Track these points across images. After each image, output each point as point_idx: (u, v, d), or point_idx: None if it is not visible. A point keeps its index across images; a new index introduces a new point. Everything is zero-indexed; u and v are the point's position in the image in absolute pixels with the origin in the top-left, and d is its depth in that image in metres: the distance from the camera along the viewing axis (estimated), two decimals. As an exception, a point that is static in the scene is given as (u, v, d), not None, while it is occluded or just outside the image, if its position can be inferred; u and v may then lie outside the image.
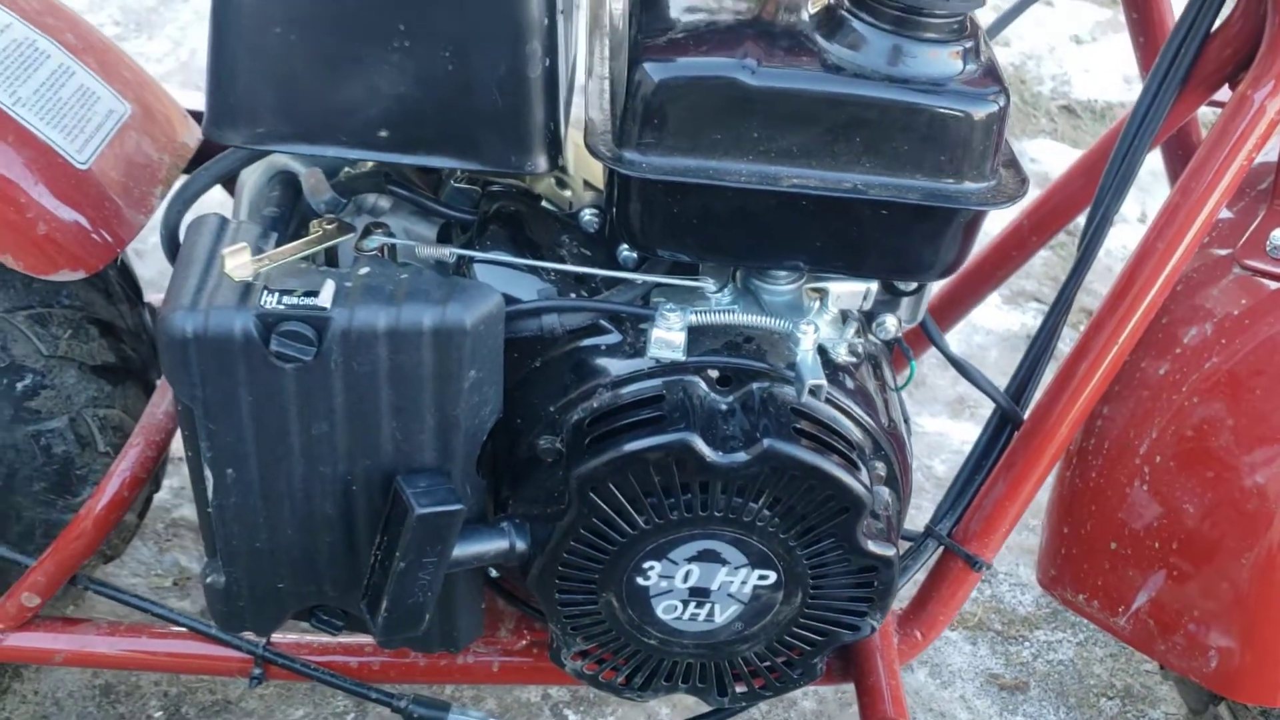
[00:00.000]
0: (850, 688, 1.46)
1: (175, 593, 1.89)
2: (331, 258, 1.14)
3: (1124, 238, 2.69)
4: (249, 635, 1.37)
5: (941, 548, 1.41)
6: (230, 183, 1.34)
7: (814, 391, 1.11)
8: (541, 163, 1.08)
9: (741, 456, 1.11)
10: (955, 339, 2.51)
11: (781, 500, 1.14)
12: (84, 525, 1.34)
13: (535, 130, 1.07)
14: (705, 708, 1.38)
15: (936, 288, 1.66)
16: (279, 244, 1.12)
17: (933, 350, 1.43)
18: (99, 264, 1.34)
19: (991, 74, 1.09)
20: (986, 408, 1.39)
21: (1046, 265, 2.71)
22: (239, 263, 1.04)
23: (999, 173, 1.12)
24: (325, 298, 1.04)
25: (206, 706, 1.75)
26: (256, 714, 1.75)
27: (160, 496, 1.92)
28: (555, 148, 1.09)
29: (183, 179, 1.35)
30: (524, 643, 1.43)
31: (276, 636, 1.41)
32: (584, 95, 1.18)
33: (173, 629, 1.42)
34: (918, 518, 1.41)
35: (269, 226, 1.17)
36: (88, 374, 1.47)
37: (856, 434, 1.20)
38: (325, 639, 1.39)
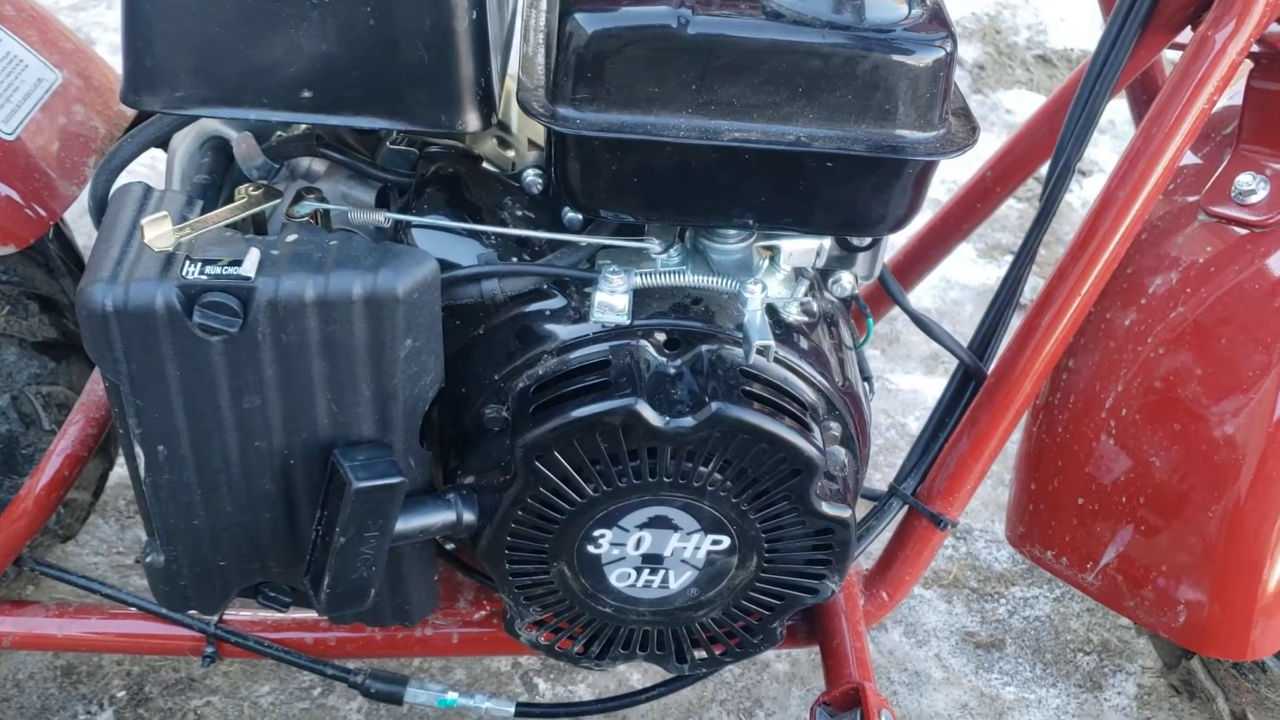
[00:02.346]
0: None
1: (138, 570, 1.86)
2: (261, 226, 1.10)
3: (1098, 187, 2.65)
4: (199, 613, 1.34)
5: (906, 506, 1.38)
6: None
7: (762, 352, 1.08)
8: (473, 120, 1.04)
9: (689, 421, 1.08)
10: (929, 294, 2.47)
11: (732, 464, 1.11)
12: (24, 506, 1.31)
13: (465, 87, 1.03)
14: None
15: (899, 241, 1.63)
16: (206, 212, 1.08)
17: (899, 306, 1.39)
18: (31, 237, 1.30)
19: (938, 19, 1.05)
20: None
21: (1022, 218, 2.67)
22: (159, 232, 1.00)
23: (948, 121, 1.08)
24: (249, 267, 1.01)
25: (170, 685, 1.72)
26: (221, 691, 1.72)
27: (119, 473, 1.89)
28: (488, 105, 1.05)
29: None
30: (483, 613, 1.41)
31: (230, 614, 1.39)
32: (520, 50, 1.14)
33: (123, 609, 1.39)
34: (892, 476, 1.38)
35: (197, 194, 1.13)
36: (28, 351, 1.44)
37: (809, 394, 1.17)
38: (281, 615, 1.37)
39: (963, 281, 2.52)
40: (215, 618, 1.35)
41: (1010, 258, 2.56)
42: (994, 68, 3.10)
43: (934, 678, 1.83)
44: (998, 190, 1.59)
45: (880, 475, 2.06)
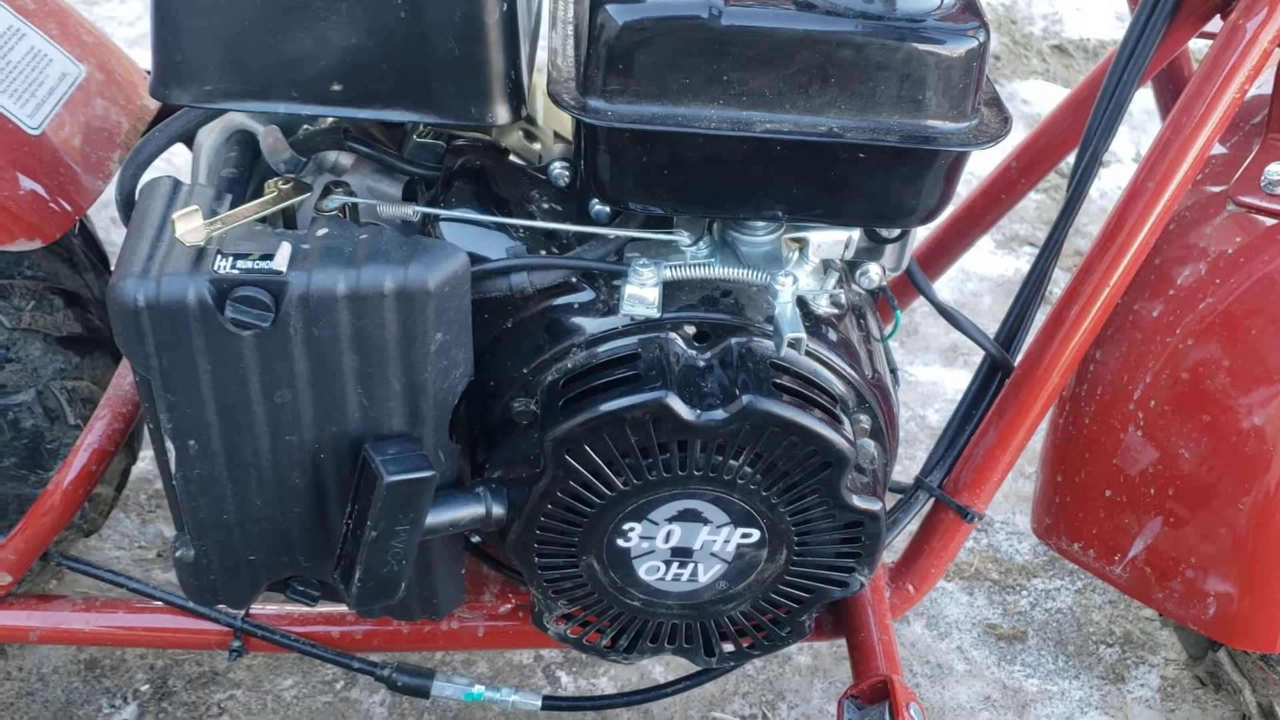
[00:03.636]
0: (844, 642, 1.44)
1: (160, 564, 1.87)
2: (290, 219, 1.10)
3: (1119, 178, 2.64)
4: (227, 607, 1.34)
5: (932, 499, 1.38)
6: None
7: (793, 345, 1.07)
8: (503, 114, 1.04)
9: (720, 414, 1.08)
10: (947, 286, 2.47)
11: (762, 457, 1.11)
12: (51, 501, 1.30)
13: (495, 79, 1.03)
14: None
15: (923, 234, 1.62)
16: (235, 206, 1.08)
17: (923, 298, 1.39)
18: (57, 232, 1.30)
19: (970, 8, 1.05)
20: (980, 355, 1.36)
21: (1040, 208, 2.66)
22: (190, 227, 1.00)
23: (980, 111, 1.08)
24: (281, 261, 1.00)
25: (194, 679, 1.73)
26: (244, 684, 1.73)
27: (142, 468, 1.89)
28: (517, 98, 1.05)
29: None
30: (508, 607, 1.41)
31: (256, 607, 1.38)
32: (549, 42, 1.13)
33: (150, 603, 1.39)
34: (912, 468, 1.38)
35: (225, 188, 1.13)
36: (54, 346, 1.43)
37: (839, 387, 1.16)
38: (307, 609, 1.37)
39: (981, 273, 2.51)
40: (242, 612, 1.35)
41: (1029, 249, 2.57)
42: (1010, 58, 3.09)
43: (956, 670, 1.82)
44: (1022, 182, 1.58)
45: (900, 468, 2.04)
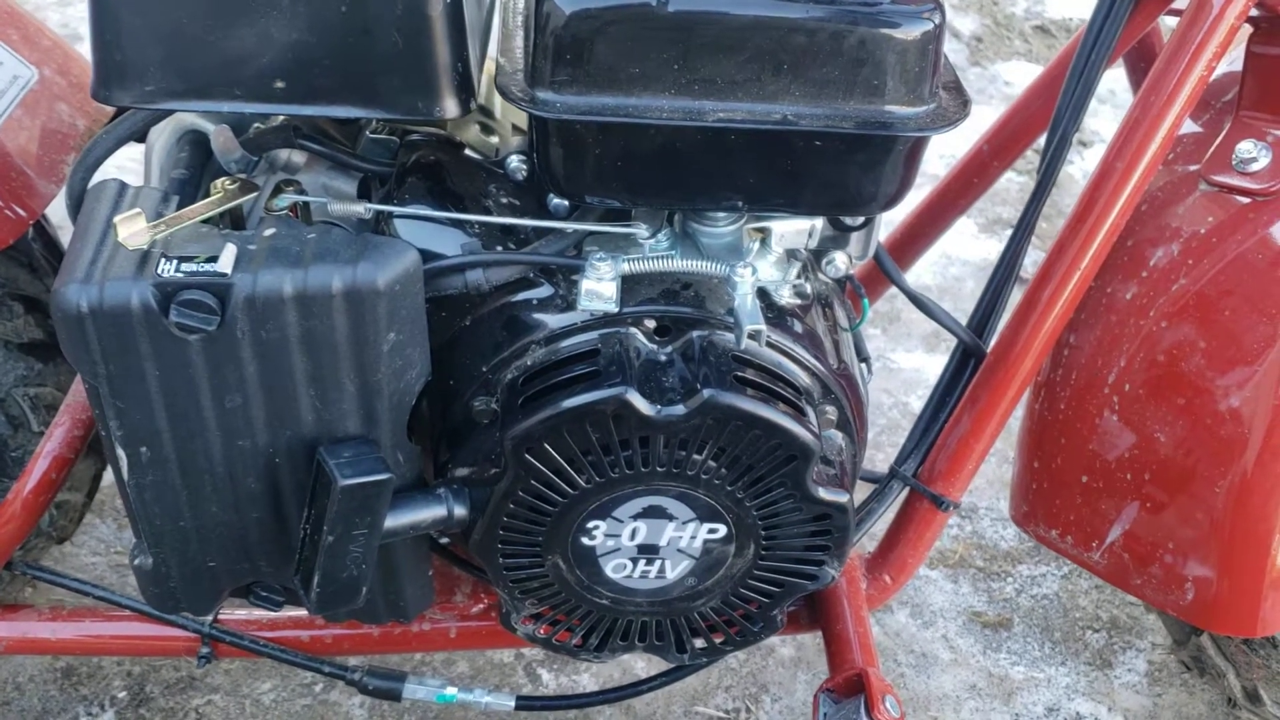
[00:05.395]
0: (826, 634, 1.42)
1: (136, 570, 1.85)
2: (239, 220, 1.08)
3: (1098, 158, 2.61)
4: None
5: (907, 488, 1.36)
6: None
7: (754, 336, 1.05)
8: (451, 107, 1.02)
9: (681, 409, 1.06)
10: (929, 271, 2.45)
11: (726, 451, 1.09)
12: (12, 510, 1.29)
13: (441, 72, 1.00)
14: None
15: (896, 219, 1.60)
16: (184, 208, 1.06)
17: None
18: (10, 237, 1.28)
19: (926, -11, 1.02)
20: None
21: (1023, 191, 2.64)
22: (133, 230, 0.98)
23: (939, 95, 1.05)
24: (226, 263, 0.98)
25: (171, 684, 1.71)
26: (223, 689, 1.71)
27: (115, 472, 1.87)
28: (465, 91, 1.03)
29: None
30: (481, 606, 1.39)
31: (225, 612, 1.37)
32: (499, 33, 1.11)
33: (118, 611, 1.37)
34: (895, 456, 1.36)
35: (174, 190, 1.10)
36: (14, 352, 1.42)
37: (803, 378, 1.14)
38: (276, 613, 1.35)
39: (964, 257, 2.49)
40: (210, 618, 1.34)
41: (1011, 232, 2.54)
42: (992, 39, 3.06)
43: (941, 659, 1.81)
44: (995, 164, 1.56)
45: (884, 456, 2.03)
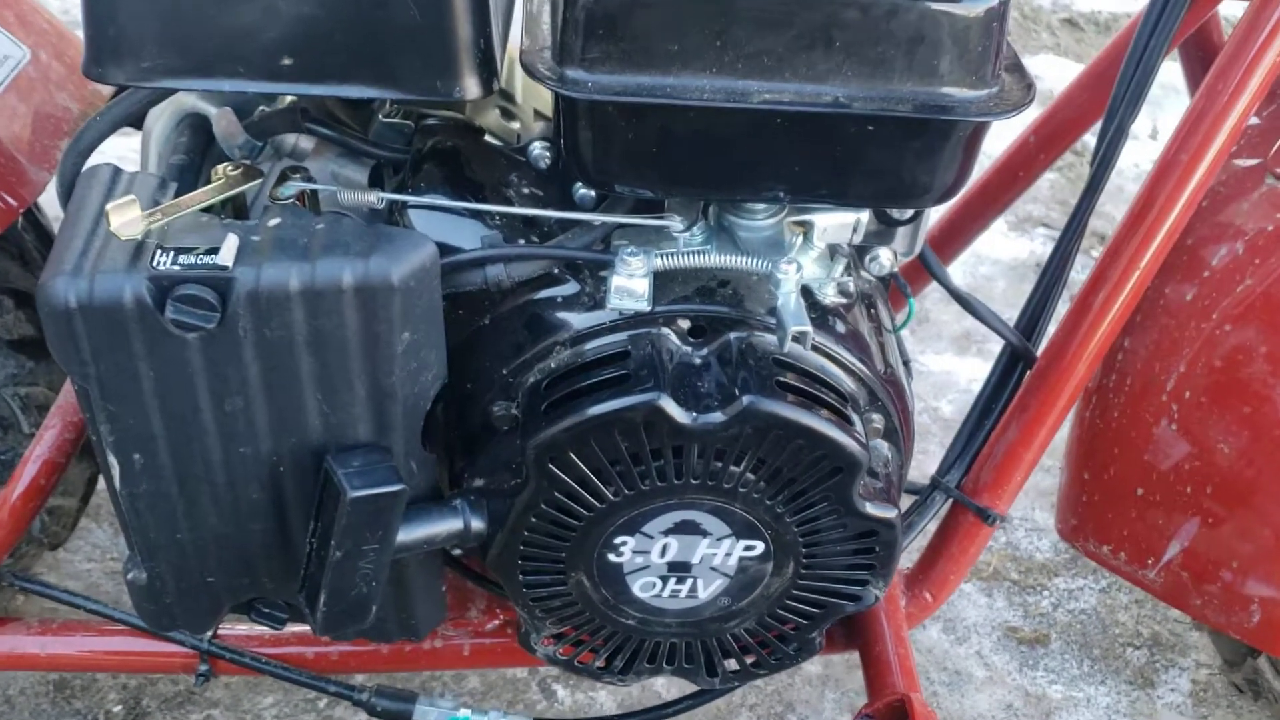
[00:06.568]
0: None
1: (133, 577, 1.77)
2: (241, 210, 1.00)
3: (1134, 156, 2.54)
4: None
5: (950, 501, 1.29)
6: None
7: (798, 339, 0.98)
8: (472, 87, 0.94)
9: (718, 417, 0.99)
10: (958, 270, 2.37)
11: (766, 463, 1.02)
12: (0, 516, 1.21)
13: (462, 50, 0.93)
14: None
15: (935, 215, 1.52)
16: (181, 195, 0.98)
17: (936, 284, 1.30)
18: (-1, 227, 1.20)
19: (989, -37, 0.94)
20: (995, 343, 1.29)
21: (1054, 188, 2.56)
22: (126, 219, 0.90)
23: (1001, 78, 0.98)
24: (227, 255, 0.91)
25: (169, 699, 1.64)
26: (222, 704, 1.64)
27: (112, 475, 1.80)
28: (488, 70, 0.95)
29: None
30: (496, 623, 1.32)
31: (225, 628, 1.29)
32: (524, 6, 1.04)
33: (111, 625, 1.30)
34: (926, 464, 1.29)
35: (172, 176, 1.03)
36: (4, 349, 1.35)
37: (849, 384, 1.07)
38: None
39: (994, 256, 2.42)
40: (209, 633, 1.26)
41: (1043, 230, 2.46)
42: (1019, 32, 2.99)
43: (976, 677, 1.73)
44: (1041, 158, 1.49)
45: (913, 464, 1.95)
